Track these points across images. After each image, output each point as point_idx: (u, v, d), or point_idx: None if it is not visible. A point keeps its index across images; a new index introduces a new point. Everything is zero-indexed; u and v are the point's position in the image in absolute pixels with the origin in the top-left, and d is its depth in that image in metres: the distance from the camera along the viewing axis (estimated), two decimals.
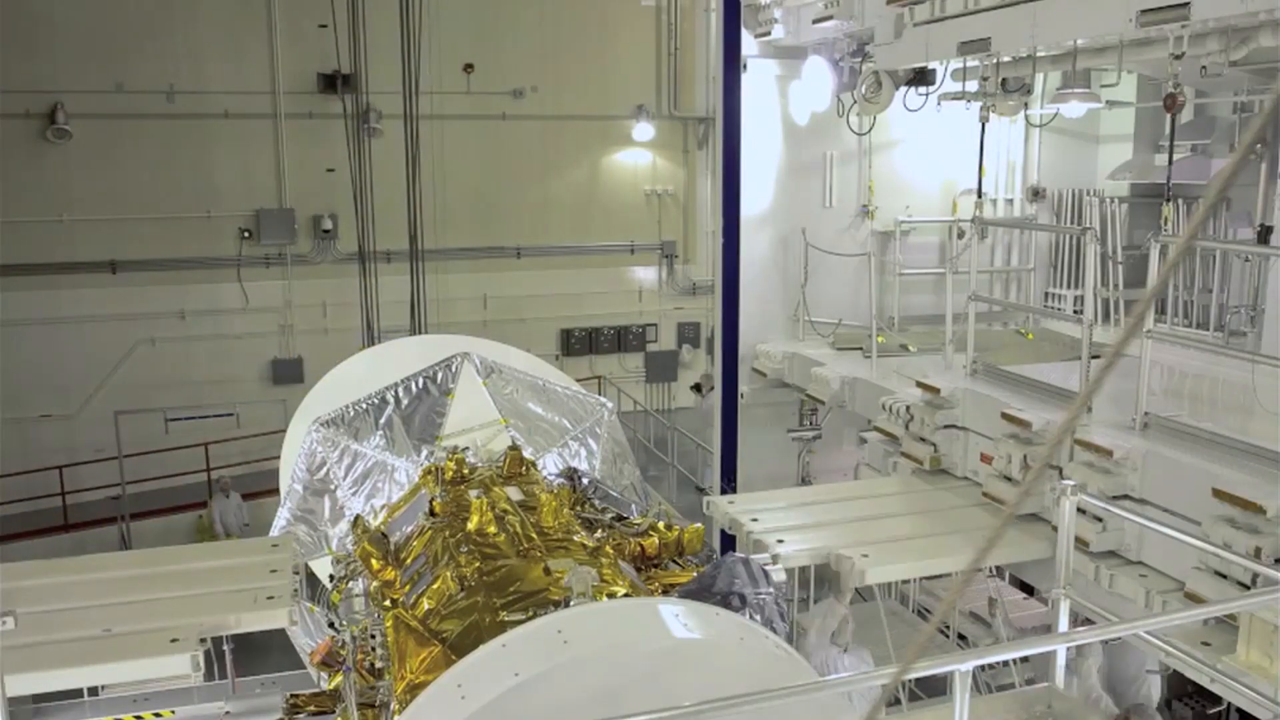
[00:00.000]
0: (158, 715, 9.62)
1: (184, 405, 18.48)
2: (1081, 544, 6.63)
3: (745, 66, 11.78)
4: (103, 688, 8.02)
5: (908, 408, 8.72)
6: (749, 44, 11.84)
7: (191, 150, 18.84)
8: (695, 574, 5.99)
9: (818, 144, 12.29)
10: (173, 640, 5.55)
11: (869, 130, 11.90)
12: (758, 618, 5.43)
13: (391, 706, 5.36)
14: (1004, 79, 10.30)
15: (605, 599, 5.13)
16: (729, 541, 9.23)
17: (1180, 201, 9.94)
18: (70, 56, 17.96)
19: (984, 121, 10.52)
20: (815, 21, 10.91)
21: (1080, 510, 6.43)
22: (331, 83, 18.81)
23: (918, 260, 12.55)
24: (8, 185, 17.68)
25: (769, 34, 11.66)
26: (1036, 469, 5.65)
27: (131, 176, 18.58)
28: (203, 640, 5.60)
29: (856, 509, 7.90)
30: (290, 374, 19.10)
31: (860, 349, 11.05)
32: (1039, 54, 9.39)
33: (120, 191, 18.56)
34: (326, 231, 19.50)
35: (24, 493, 16.68)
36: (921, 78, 11.06)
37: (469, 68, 19.96)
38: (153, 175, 18.70)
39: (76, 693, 7.89)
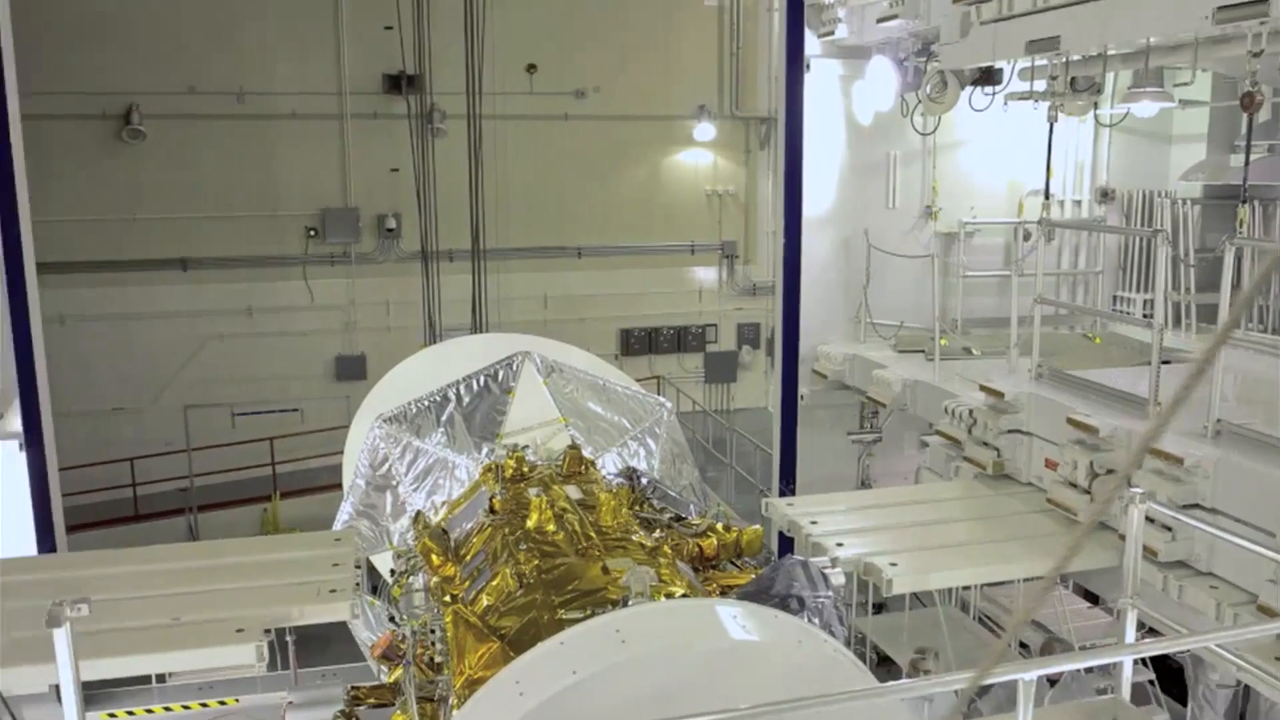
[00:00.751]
0: (222, 703, 9.84)
1: (250, 400, 18.84)
2: (1149, 553, 6.49)
3: (808, 66, 11.71)
4: (170, 675, 8.22)
5: (971, 411, 8.60)
6: (812, 43, 11.77)
7: (260, 150, 19.19)
8: (753, 576, 5.96)
9: (881, 144, 12.18)
10: (238, 630, 5.65)
11: (933, 130, 11.77)
12: (816, 621, 5.38)
13: (450, 701, 5.41)
14: (1073, 78, 10.12)
15: (663, 599, 5.12)
16: (787, 544, 9.18)
17: (1257, 203, 9.68)
18: (145, 60, 18.39)
19: (1052, 121, 10.35)
20: (880, 21, 10.82)
21: (1149, 519, 6.30)
22: (396, 83, 19.05)
23: (982, 262, 12.38)
24: (84, 184, 18.18)
25: (832, 33, 11.59)
26: (1118, 480, 5.52)
27: (202, 176, 18.98)
28: (266, 631, 5.69)
29: (917, 513, 7.82)
30: (353, 371, 19.37)
31: (922, 351, 10.93)
32: (1110, 52, 9.20)
33: (191, 191, 18.97)
34: (390, 230, 19.74)
35: (96, 484, 17.10)
36: (988, 77, 10.92)
37: (532, 68, 20.08)
38: (222, 175, 19.08)
39: (145, 679, 8.09)
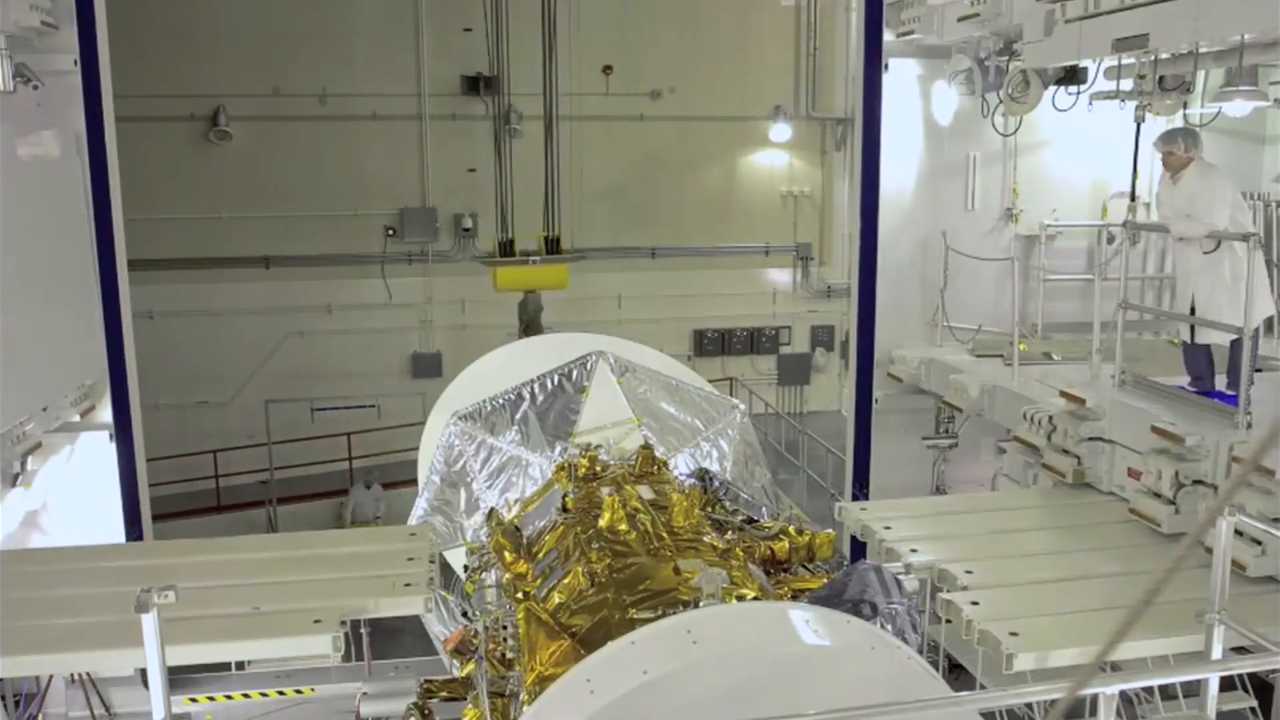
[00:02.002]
0: (299, 691, 10.03)
1: (329, 395, 19.22)
2: (1238, 568, 6.29)
3: (887, 66, 11.58)
4: (249, 663, 8.41)
5: (1050, 418, 8.43)
6: (890, 43, 11.64)
7: (341, 151, 19.56)
8: (826, 580, 5.92)
9: (960, 145, 11.99)
10: (315, 621, 5.76)
11: (1015, 131, 11.55)
12: (889, 628, 5.33)
13: (521, 697, 5.46)
14: (1161, 77, 9.85)
15: (735, 601, 5.11)
16: (859, 549, 9.10)
17: None
18: (232, 63, 18.87)
19: (1139, 121, 10.09)
20: (960, 19, 10.64)
21: (1238, 532, 6.11)
22: (475, 85, 19.28)
23: (1064, 266, 12.11)
24: (173, 184, 18.71)
25: (911, 33, 11.44)
26: (1219, 502, 5.33)
27: (285, 176, 19.41)
28: (343, 623, 5.80)
29: (994, 521, 7.68)
30: (429, 368, 19.65)
31: (1001, 356, 10.73)
32: (1201, 50, 8.95)
33: (274, 190, 19.41)
34: (467, 230, 19.99)
35: (181, 474, 17.59)
36: (1072, 76, 10.68)
37: (608, 69, 20.16)
38: (305, 175, 19.49)
39: (225, 666, 8.29)
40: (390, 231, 19.98)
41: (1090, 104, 10.91)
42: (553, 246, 17.26)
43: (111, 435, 10.24)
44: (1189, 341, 8.32)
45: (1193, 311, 8.10)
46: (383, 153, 19.72)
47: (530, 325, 17.24)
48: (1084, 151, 12.04)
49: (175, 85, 18.40)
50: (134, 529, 10.41)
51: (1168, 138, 8.09)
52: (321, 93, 19.21)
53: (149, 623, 4.15)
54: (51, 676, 9.44)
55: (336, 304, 19.78)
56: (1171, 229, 8.19)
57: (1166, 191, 8.25)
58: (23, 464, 8.88)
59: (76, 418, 10.02)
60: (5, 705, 9.04)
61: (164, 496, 15.22)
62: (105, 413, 10.24)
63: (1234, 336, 7.63)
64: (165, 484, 15.79)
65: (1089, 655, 5.46)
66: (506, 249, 17.11)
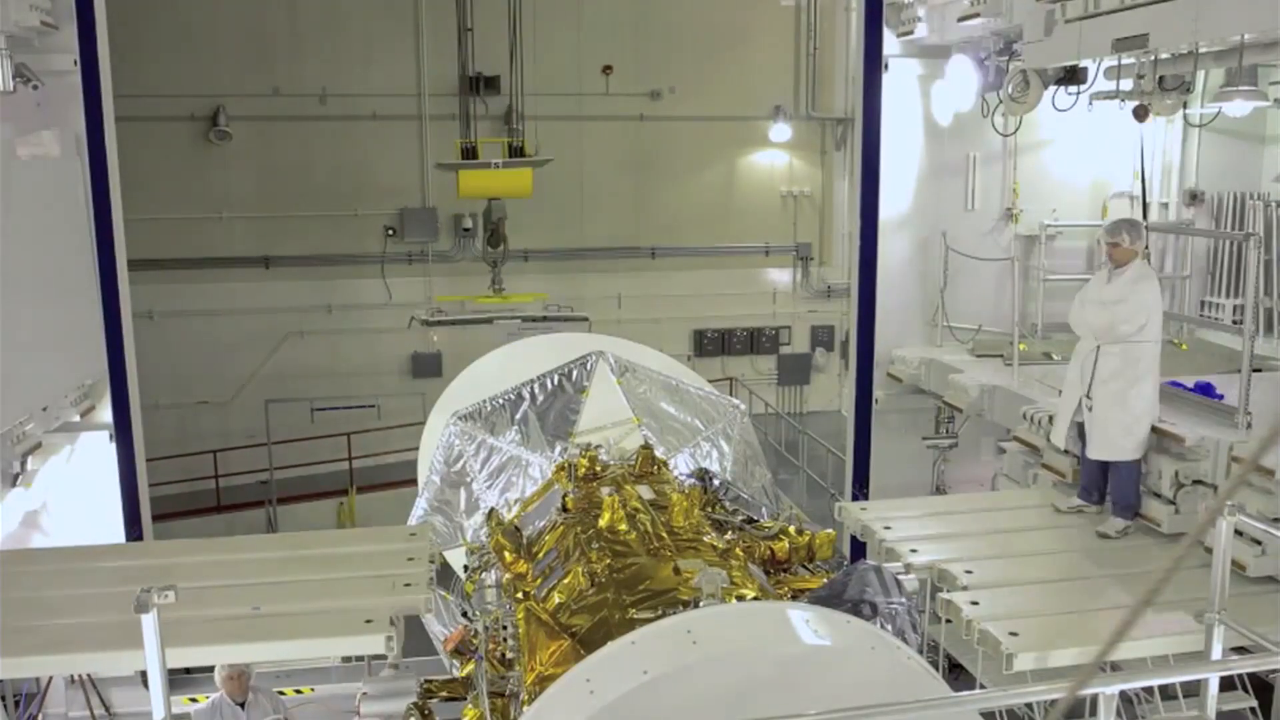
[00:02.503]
0: (298, 691, 10.04)
1: (329, 395, 19.21)
2: (1238, 568, 6.29)
3: (886, 66, 11.58)
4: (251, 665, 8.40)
5: (1050, 418, 8.43)
6: (890, 43, 11.63)
7: (341, 151, 19.55)
8: (825, 580, 5.92)
9: (960, 145, 11.99)
10: (367, 621, 5.76)
11: (1015, 131, 11.55)
12: (889, 628, 5.33)
13: (521, 697, 5.46)
14: (1161, 76, 9.85)
15: (735, 601, 5.11)
16: (859, 549, 9.10)
17: None
18: (232, 63, 18.86)
19: (1140, 121, 10.08)
20: (960, 19, 10.65)
21: (1238, 532, 6.11)
22: (475, 85, 19.26)
23: (1063, 266, 12.11)
24: (173, 184, 18.69)
25: (911, 33, 11.44)
26: (1219, 502, 5.33)
27: (285, 176, 19.41)
28: (393, 622, 5.79)
29: (993, 520, 7.68)
30: (429, 368, 19.63)
31: (1001, 356, 10.73)
32: (1201, 50, 8.94)
33: (274, 190, 19.41)
34: (467, 230, 19.97)
35: (182, 474, 17.59)
36: (1072, 76, 10.68)
37: (608, 69, 20.16)
38: (305, 175, 19.48)
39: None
40: (390, 231, 19.97)
41: (1090, 104, 10.91)
42: (516, 153, 17.00)
43: (111, 435, 10.24)
44: (1077, 452, 7.79)
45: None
46: (383, 153, 19.71)
47: (494, 234, 16.92)
48: (1084, 151, 12.05)
49: (175, 85, 18.38)
50: (134, 529, 10.42)
51: (1113, 229, 7.51)
52: (321, 93, 19.20)
53: (149, 623, 4.15)
54: (51, 677, 9.45)
55: (336, 304, 19.77)
56: (1084, 325, 7.63)
57: (1098, 286, 7.62)
58: (23, 464, 8.88)
59: (76, 418, 10.02)
60: (5, 705, 9.05)
61: (164, 496, 15.21)
62: (105, 413, 10.25)
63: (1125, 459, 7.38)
64: (165, 484, 15.79)
65: (1089, 655, 5.50)
66: (469, 154, 16.74)
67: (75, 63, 9.94)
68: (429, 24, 19.40)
